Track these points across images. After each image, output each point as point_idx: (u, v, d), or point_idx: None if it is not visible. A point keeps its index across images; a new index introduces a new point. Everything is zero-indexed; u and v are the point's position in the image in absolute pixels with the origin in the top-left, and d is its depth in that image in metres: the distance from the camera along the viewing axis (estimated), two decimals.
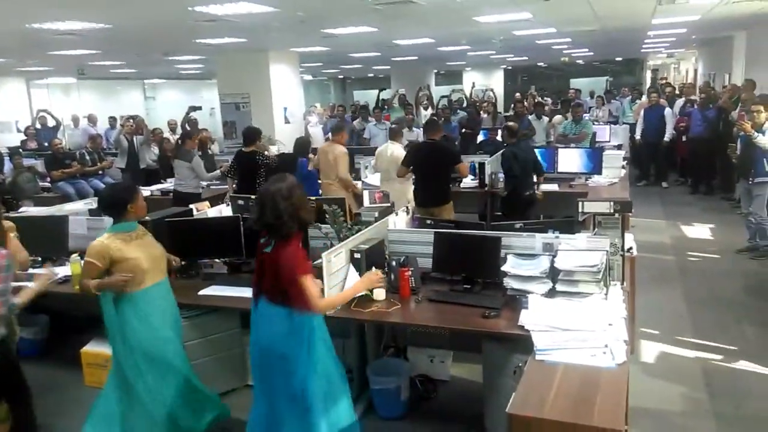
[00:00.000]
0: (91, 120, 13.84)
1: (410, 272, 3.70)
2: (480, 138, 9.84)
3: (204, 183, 7.52)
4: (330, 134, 7.26)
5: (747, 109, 8.25)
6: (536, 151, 7.36)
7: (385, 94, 16.89)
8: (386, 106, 12.33)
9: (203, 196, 6.78)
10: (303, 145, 7.34)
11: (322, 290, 3.23)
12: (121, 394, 3.27)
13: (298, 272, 2.79)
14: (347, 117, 12.59)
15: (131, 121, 10.07)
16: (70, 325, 5.05)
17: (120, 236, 3.24)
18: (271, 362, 2.92)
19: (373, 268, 3.51)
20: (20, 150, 10.36)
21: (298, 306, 2.83)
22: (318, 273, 3.61)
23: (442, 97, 16.68)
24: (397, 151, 6.58)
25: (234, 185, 6.79)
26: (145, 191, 8.10)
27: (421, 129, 9.48)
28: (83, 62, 12.21)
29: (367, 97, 21.46)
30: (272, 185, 2.88)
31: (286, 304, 2.85)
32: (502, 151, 6.52)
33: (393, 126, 8.29)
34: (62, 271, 4.44)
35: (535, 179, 6.41)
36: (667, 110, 10.31)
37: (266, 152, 7.22)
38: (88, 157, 9.42)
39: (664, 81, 17.98)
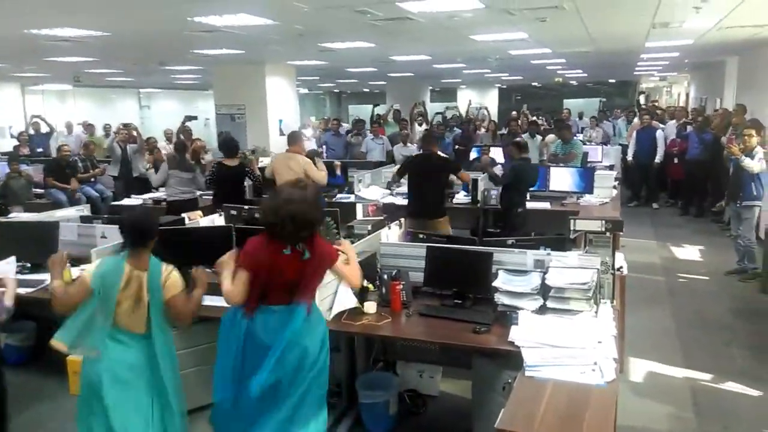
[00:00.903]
0: (86, 127, 13.81)
1: (402, 286, 3.70)
2: (473, 155, 9.89)
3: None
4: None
5: (738, 133, 8.37)
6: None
7: (380, 110, 16.96)
8: (381, 121, 12.38)
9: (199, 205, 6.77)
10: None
11: None
12: None
13: (336, 257, 3.03)
14: (342, 130, 12.62)
15: (125, 129, 10.04)
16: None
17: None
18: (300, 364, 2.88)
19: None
20: (18, 156, 10.23)
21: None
22: None
23: (437, 113, 16.78)
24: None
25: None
26: (138, 200, 8.09)
27: (416, 144, 9.56)
28: (79, 69, 12.23)
29: (362, 111, 21.56)
30: (297, 193, 2.92)
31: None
32: (513, 165, 6.37)
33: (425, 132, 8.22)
34: (49, 278, 4.40)
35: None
36: (659, 132, 10.43)
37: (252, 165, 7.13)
38: (80, 164, 9.39)
39: (652, 104, 18.07)
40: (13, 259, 4.68)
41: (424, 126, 12.66)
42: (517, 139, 6.99)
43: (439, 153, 6.25)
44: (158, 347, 3.00)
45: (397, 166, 6.93)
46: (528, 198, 7.05)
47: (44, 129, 12.56)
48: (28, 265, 4.72)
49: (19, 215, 6.43)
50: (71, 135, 13.81)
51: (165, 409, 3.04)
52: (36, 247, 4.79)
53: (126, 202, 8.22)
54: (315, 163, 6.59)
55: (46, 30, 6.89)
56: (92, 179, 9.46)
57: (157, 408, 3.01)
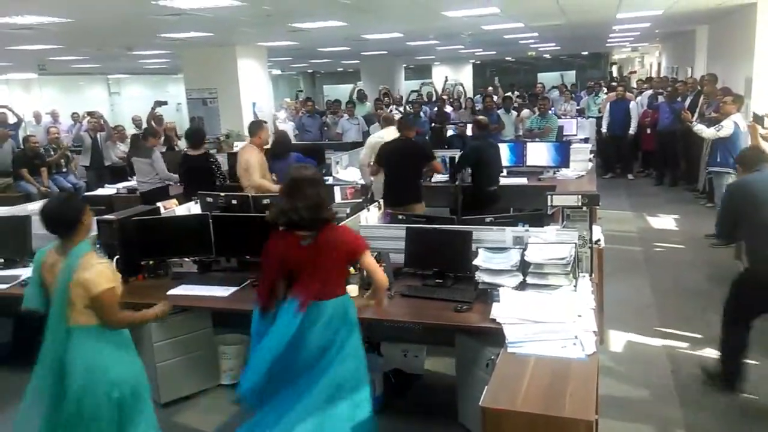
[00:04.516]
0: (54, 116, 13.50)
1: (382, 268, 3.69)
2: (449, 132, 9.89)
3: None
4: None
5: (709, 102, 8.47)
6: (505, 146, 7.46)
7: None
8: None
9: (172, 193, 6.66)
10: (283, 143, 6.57)
11: None
12: None
13: (362, 248, 2.92)
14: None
15: (95, 116, 9.83)
16: (35, 329, 4.92)
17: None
18: (320, 362, 2.85)
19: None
20: None
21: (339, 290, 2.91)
22: None
23: (412, 91, 16.70)
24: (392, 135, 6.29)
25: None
26: (111, 189, 7.95)
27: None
28: (44, 57, 11.88)
29: (337, 91, 21.38)
30: (302, 172, 2.89)
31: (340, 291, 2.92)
32: (470, 145, 6.52)
33: (385, 114, 8.12)
34: (25, 273, 4.33)
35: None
36: (632, 104, 10.50)
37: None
38: (53, 153, 9.23)
39: (631, 74, 18.07)
40: None
41: (393, 108, 12.57)
42: (478, 117, 7.00)
43: (415, 140, 6.07)
44: (47, 342, 2.77)
45: (365, 149, 6.91)
46: (505, 174, 7.12)
47: (12, 119, 12.22)
48: (1, 260, 4.62)
49: None
50: (39, 125, 13.49)
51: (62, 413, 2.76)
52: (8, 242, 4.70)
53: (100, 192, 8.08)
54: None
55: (6, 18, 6.66)
56: (64, 170, 9.27)
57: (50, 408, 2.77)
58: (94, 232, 3.62)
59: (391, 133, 6.38)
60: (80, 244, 2.80)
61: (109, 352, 2.81)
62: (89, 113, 10.13)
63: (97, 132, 9.48)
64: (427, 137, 9.71)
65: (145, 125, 10.51)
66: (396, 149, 5.92)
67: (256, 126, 6.30)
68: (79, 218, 2.83)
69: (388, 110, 11.99)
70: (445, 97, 14.93)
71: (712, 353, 4.37)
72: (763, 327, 4.70)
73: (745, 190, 3.77)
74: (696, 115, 8.49)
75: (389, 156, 5.91)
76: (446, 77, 19.71)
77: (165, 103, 10.39)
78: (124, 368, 2.85)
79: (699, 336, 4.64)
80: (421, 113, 11.25)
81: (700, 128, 6.52)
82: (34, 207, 5.60)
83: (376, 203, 4.70)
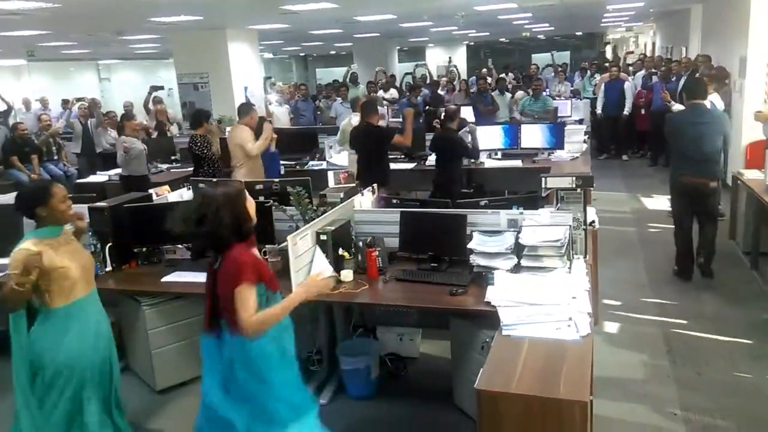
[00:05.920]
0: (43, 103, 13.38)
1: (377, 252, 3.69)
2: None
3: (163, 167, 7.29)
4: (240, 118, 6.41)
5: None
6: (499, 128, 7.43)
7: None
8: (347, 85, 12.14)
9: (164, 180, 6.62)
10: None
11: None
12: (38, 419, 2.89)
13: (241, 279, 2.43)
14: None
15: (85, 103, 9.76)
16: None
17: (46, 241, 2.86)
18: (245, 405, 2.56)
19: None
20: None
21: (231, 327, 2.46)
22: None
23: (406, 74, 16.59)
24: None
25: None
26: (103, 176, 7.89)
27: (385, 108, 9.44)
28: (32, 43, 11.74)
29: (330, 75, 21.21)
30: (211, 192, 2.59)
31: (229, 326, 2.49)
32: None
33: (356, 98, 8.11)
34: None
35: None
36: (627, 84, 10.46)
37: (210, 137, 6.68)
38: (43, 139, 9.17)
39: (628, 54, 18.01)
40: None
41: (381, 92, 12.50)
42: (449, 106, 6.97)
43: (377, 126, 6.10)
44: (11, 327, 2.82)
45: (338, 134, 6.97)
46: (500, 157, 7.09)
47: (1, 107, 12.11)
48: None
49: None
50: (30, 112, 13.36)
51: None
52: None
53: (92, 179, 8.02)
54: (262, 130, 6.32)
55: None
56: (55, 157, 9.20)
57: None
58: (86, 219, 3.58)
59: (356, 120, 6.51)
60: (36, 230, 2.90)
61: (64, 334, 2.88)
62: (78, 99, 10.04)
63: (87, 118, 9.40)
64: (421, 120, 9.64)
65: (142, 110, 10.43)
66: (359, 134, 6.10)
67: (248, 107, 6.42)
68: (34, 205, 2.88)
69: (378, 94, 11.93)
70: (445, 79, 14.81)
71: (706, 333, 4.40)
72: (755, 317, 4.74)
73: (672, 122, 5.09)
74: None
75: (356, 141, 6.11)
76: (449, 58, 19.50)
77: (161, 87, 10.30)
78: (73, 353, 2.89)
79: (693, 316, 4.66)
80: (420, 97, 11.10)
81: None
82: None
83: (370, 188, 4.66)
